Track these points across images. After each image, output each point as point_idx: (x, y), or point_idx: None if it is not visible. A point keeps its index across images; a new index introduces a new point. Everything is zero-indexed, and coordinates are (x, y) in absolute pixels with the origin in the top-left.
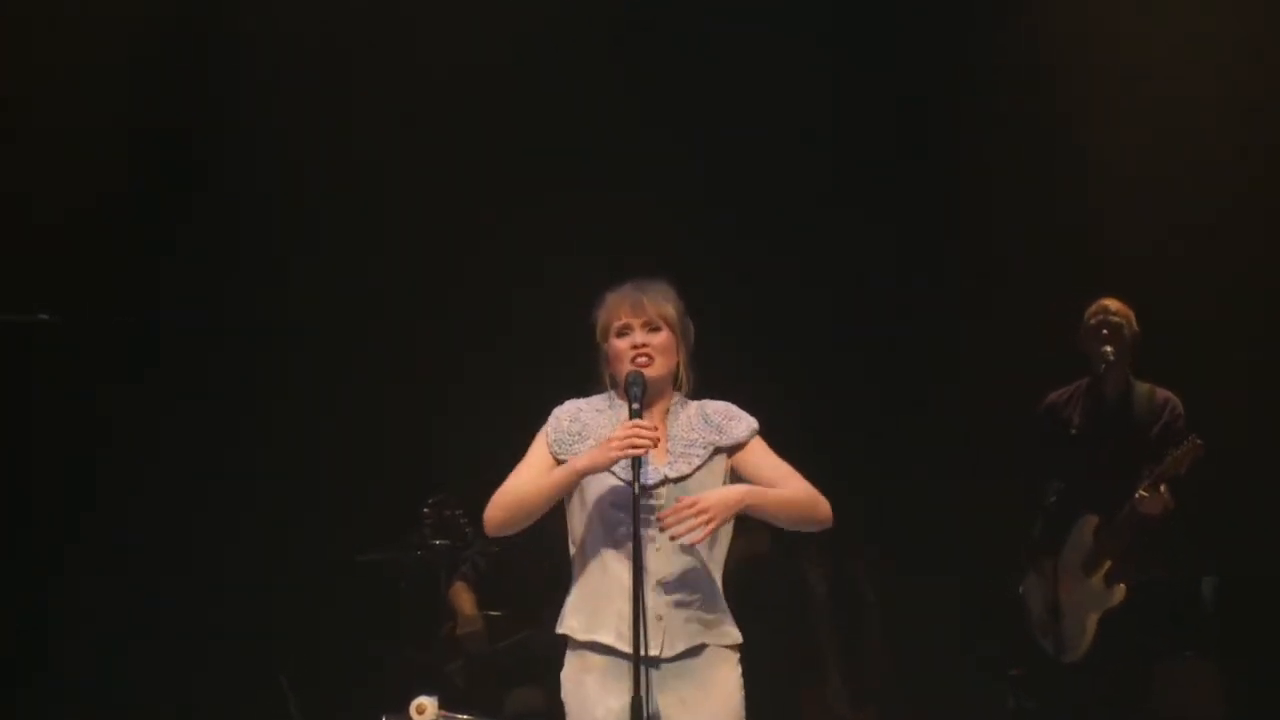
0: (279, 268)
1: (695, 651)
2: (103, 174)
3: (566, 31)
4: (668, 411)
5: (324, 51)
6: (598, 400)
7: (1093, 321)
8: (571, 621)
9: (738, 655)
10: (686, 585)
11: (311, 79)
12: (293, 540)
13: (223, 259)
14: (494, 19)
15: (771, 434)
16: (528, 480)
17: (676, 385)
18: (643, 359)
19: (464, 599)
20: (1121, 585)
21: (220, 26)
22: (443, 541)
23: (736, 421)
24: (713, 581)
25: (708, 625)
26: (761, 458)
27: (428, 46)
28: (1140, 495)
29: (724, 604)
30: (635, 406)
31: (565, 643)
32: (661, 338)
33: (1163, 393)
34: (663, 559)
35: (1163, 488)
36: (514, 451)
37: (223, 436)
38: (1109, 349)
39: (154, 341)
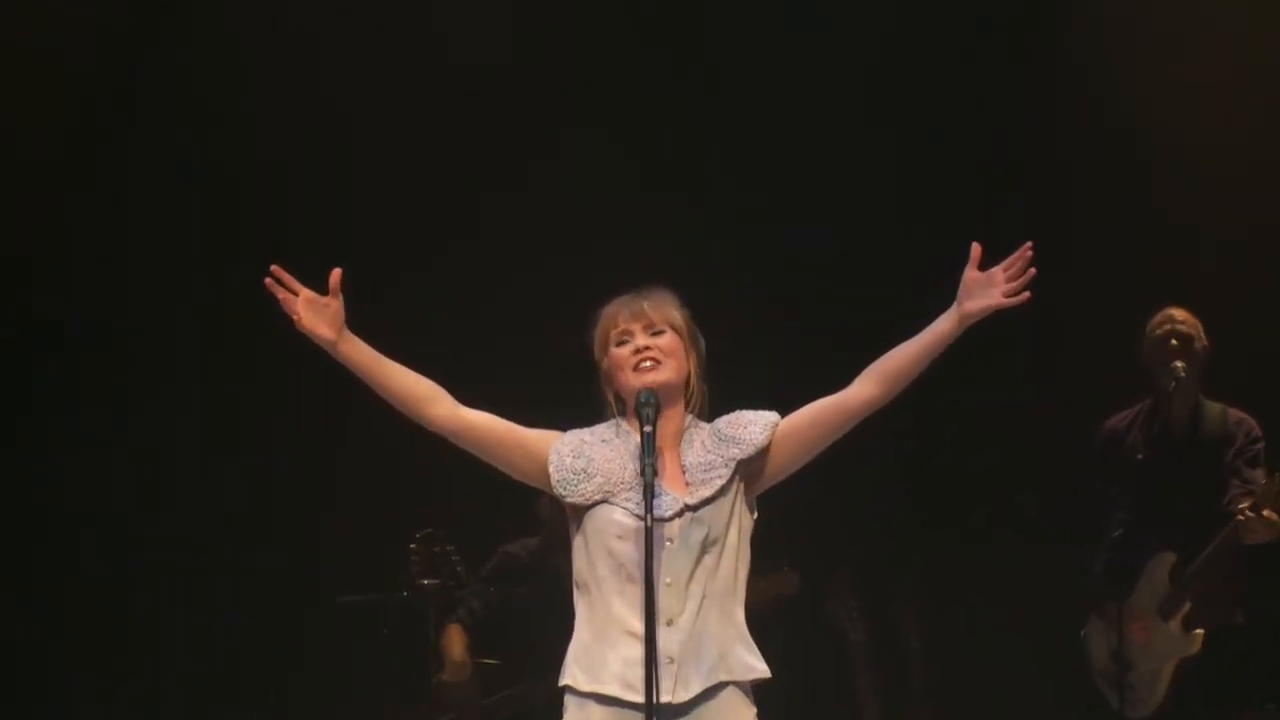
0: (268, 293)
1: (711, 694)
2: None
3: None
4: (681, 438)
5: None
6: (602, 430)
7: (1159, 333)
8: (575, 671)
9: (752, 699)
10: (701, 623)
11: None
12: (266, 579)
13: (207, 284)
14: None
15: (804, 470)
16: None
17: (689, 406)
18: (648, 363)
19: (455, 642)
20: (1200, 631)
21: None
22: (431, 581)
23: (752, 425)
24: (729, 615)
25: (726, 660)
26: (794, 417)
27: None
28: (1243, 518)
29: (746, 634)
30: (649, 430)
31: (565, 691)
32: (667, 340)
33: (1236, 413)
34: (674, 596)
35: (1266, 511)
36: (507, 481)
37: (195, 465)
38: (1179, 364)
39: (126, 363)
